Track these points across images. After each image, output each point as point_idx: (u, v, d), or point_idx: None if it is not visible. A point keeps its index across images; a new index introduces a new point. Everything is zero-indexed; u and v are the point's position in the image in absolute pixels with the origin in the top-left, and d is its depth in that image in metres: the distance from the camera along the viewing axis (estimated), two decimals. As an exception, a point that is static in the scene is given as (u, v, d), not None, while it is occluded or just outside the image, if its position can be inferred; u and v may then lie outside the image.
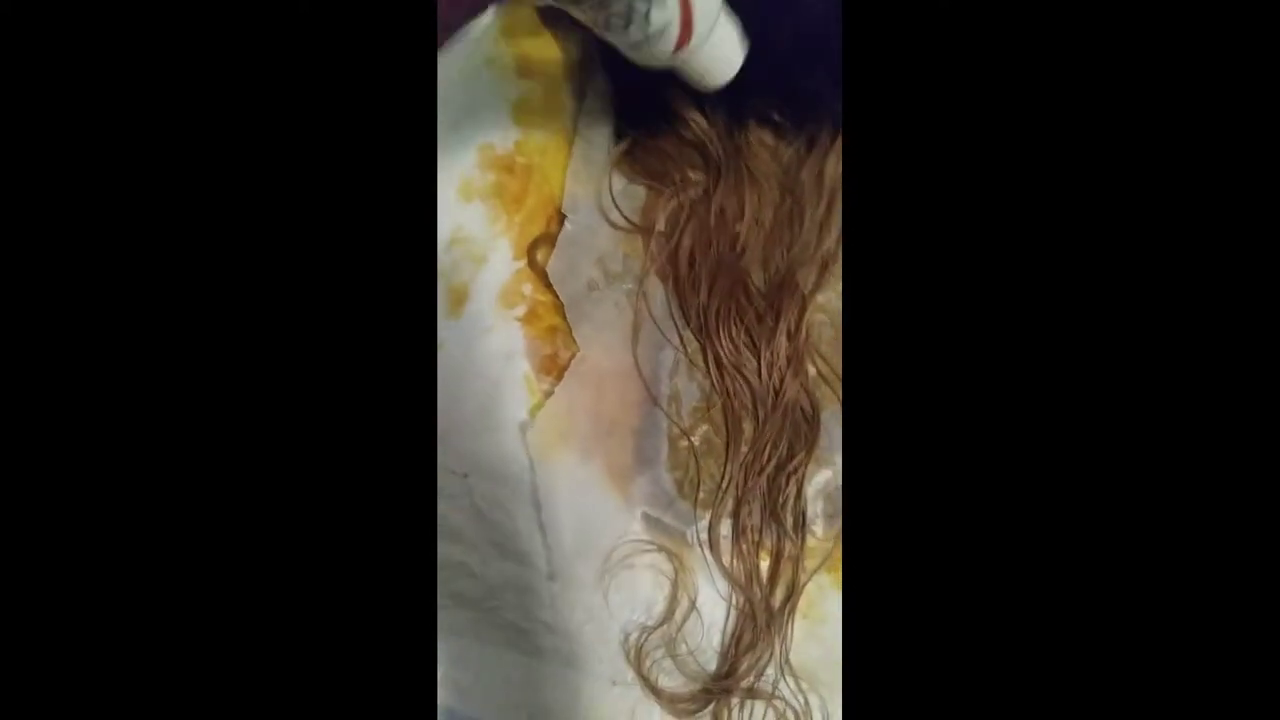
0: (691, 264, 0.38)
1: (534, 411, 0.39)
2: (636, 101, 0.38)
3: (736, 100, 0.37)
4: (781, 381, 0.37)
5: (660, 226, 0.38)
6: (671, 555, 0.39)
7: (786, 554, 0.38)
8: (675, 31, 0.30)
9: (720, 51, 0.33)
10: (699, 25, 0.31)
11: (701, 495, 0.39)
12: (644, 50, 0.31)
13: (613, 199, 0.39)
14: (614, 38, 0.30)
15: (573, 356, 0.39)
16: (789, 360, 0.37)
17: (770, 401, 0.38)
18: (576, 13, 0.30)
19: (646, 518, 0.39)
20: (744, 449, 0.38)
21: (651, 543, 0.39)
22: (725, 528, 0.39)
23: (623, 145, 0.38)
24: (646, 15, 0.28)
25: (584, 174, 0.39)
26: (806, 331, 0.37)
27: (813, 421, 0.38)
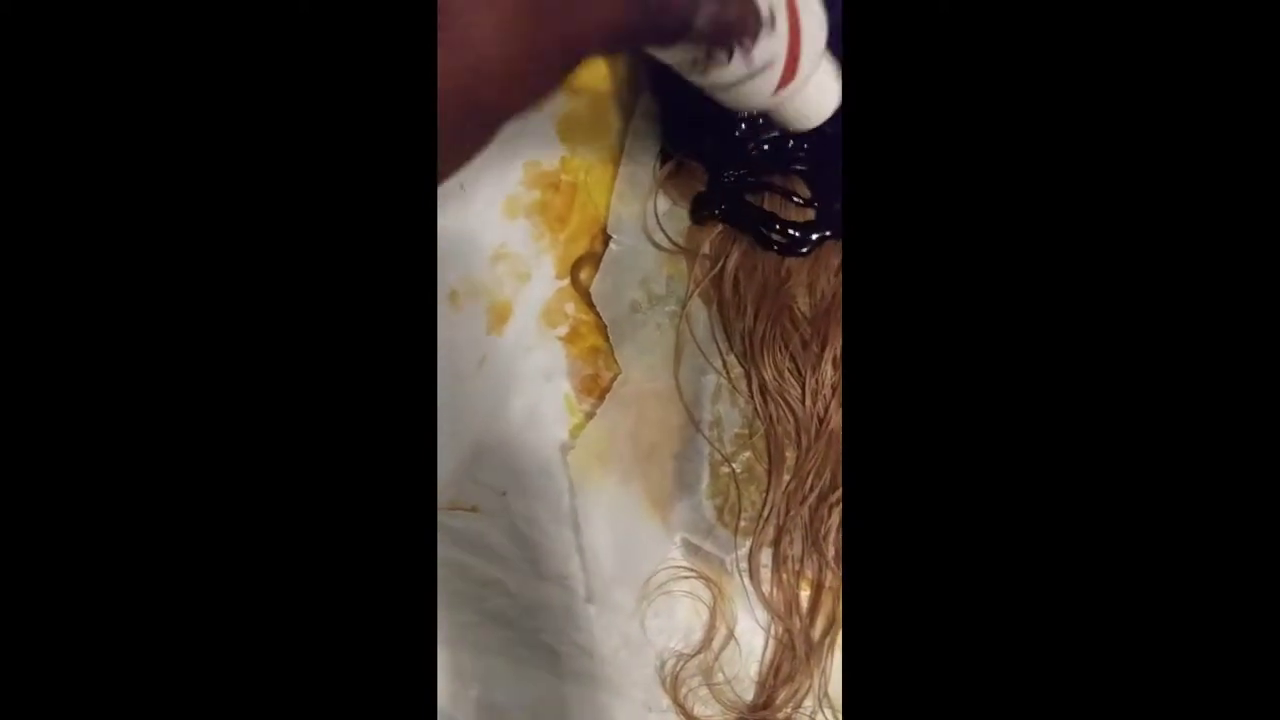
0: (736, 288, 0.37)
1: (574, 432, 0.38)
2: (684, 122, 0.36)
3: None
4: (826, 410, 0.36)
5: (705, 249, 0.37)
6: (710, 583, 0.38)
7: (828, 585, 0.37)
8: (780, 69, 0.26)
9: (821, 92, 0.29)
10: (804, 62, 0.26)
11: (742, 523, 0.37)
12: (741, 90, 0.27)
13: (658, 220, 0.38)
14: (710, 78, 0.26)
15: (614, 378, 0.38)
16: (834, 388, 0.36)
17: (814, 430, 0.36)
18: (667, 56, 0.25)
19: (686, 544, 0.38)
20: (786, 477, 0.37)
21: (690, 569, 0.38)
22: (765, 556, 0.37)
23: (669, 167, 0.37)
24: (751, 50, 0.25)
25: (629, 194, 0.38)
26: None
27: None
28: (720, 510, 0.38)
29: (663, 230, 0.38)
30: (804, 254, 0.36)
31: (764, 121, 0.35)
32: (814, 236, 0.35)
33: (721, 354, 0.37)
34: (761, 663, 0.37)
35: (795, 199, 0.36)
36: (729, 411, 0.37)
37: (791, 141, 0.35)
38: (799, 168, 0.36)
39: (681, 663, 0.37)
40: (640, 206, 0.38)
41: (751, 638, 0.37)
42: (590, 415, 0.38)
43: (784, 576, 0.37)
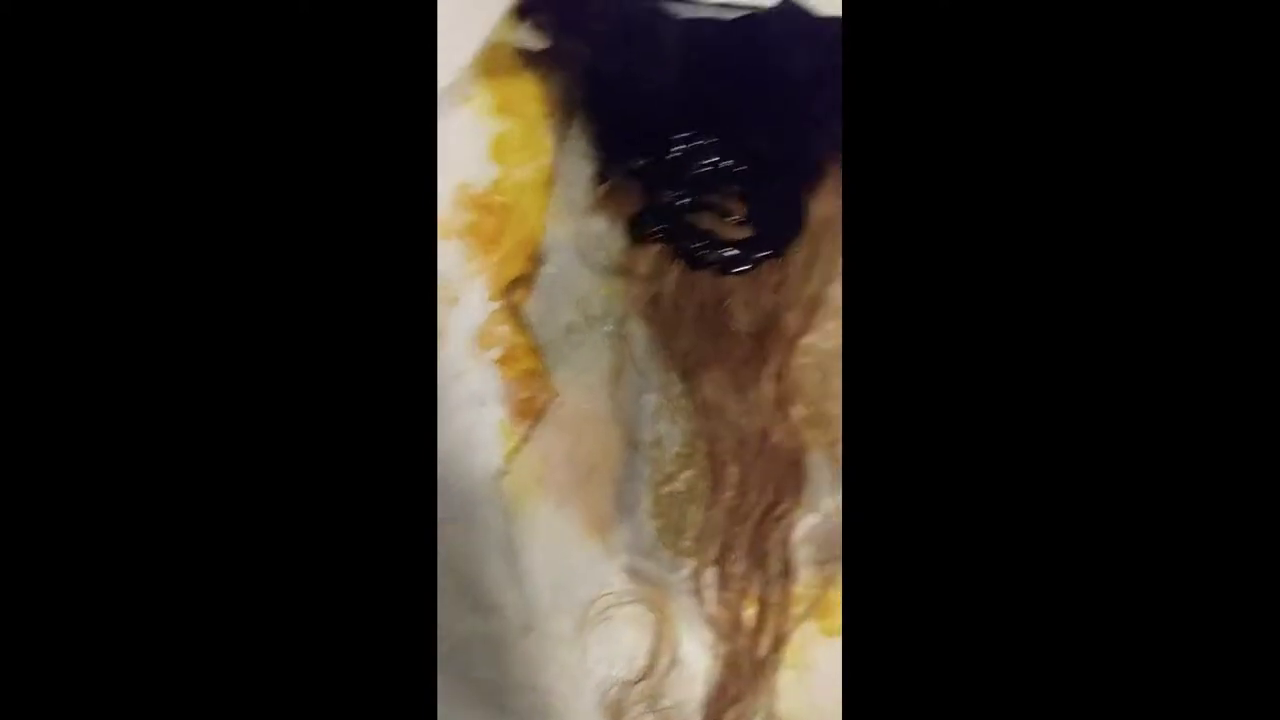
0: (675, 307, 0.36)
1: (509, 457, 0.37)
2: (619, 142, 0.36)
3: (722, 139, 0.36)
4: (767, 426, 0.36)
5: (643, 269, 0.37)
6: (653, 606, 0.37)
7: (773, 602, 0.36)
8: None
9: None
10: None
11: (685, 543, 0.37)
12: None
13: (593, 240, 0.37)
14: None
15: (550, 400, 0.37)
16: (775, 404, 0.36)
17: (756, 446, 0.36)
18: None
19: (627, 568, 0.37)
20: (729, 494, 0.36)
21: (632, 593, 0.37)
22: (709, 576, 0.37)
23: (605, 187, 0.37)
24: None
25: (564, 215, 0.37)
26: (792, 375, 0.36)
27: (799, 466, 0.36)
28: (662, 531, 0.37)
29: (599, 250, 0.37)
30: (743, 272, 0.36)
31: (699, 141, 0.35)
32: (754, 256, 0.36)
33: (661, 372, 0.37)
34: (708, 685, 0.36)
35: (732, 217, 0.36)
36: (669, 430, 0.37)
37: (729, 161, 0.36)
38: (736, 187, 0.36)
39: (625, 690, 0.36)
40: (576, 227, 0.37)
41: (696, 660, 0.36)
42: (526, 439, 0.37)
43: (728, 596, 0.36)
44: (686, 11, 0.35)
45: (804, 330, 0.36)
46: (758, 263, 0.36)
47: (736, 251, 0.36)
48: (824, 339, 0.37)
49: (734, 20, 0.34)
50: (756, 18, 0.34)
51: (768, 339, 0.36)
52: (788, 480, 0.36)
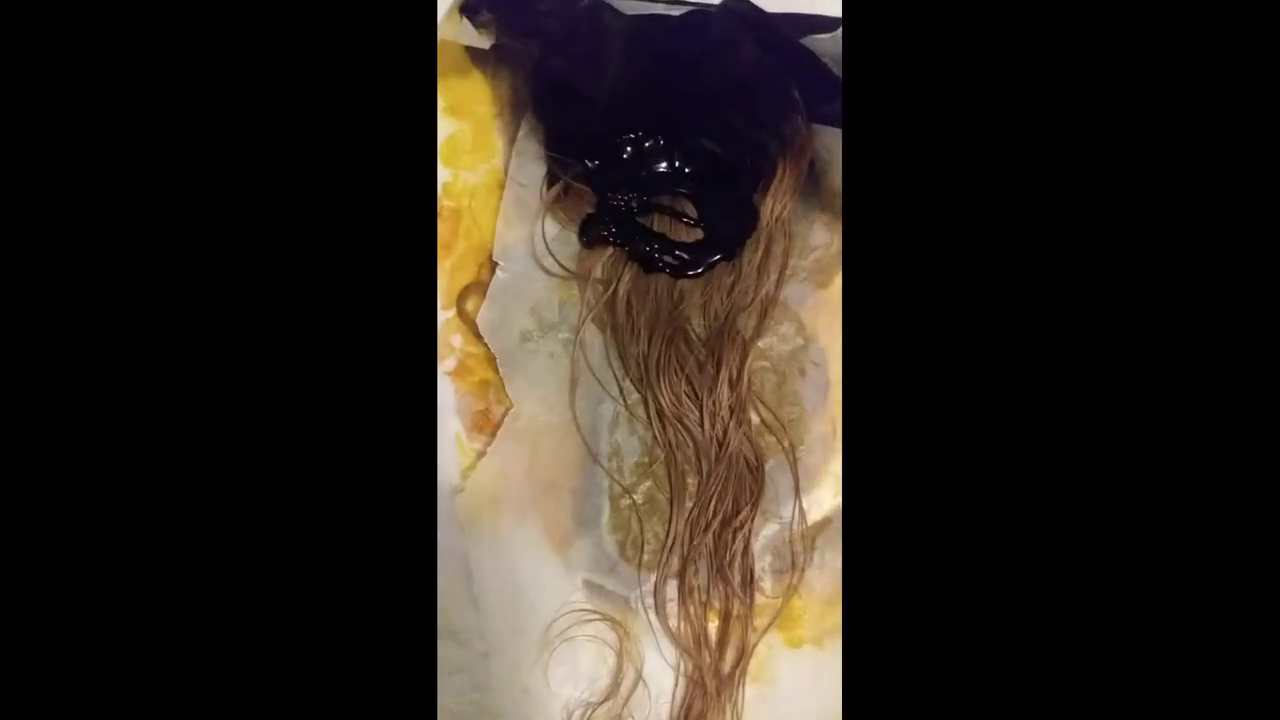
0: (629, 312, 0.36)
1: (465, 473, 0.35)
2: (570, 144, 0.36)
3: (672, 140, 0.35)
4: (725, 432, 0.35)
5: (597, 274, 0.36)
6: (615, 624, 0.35)
7: (735, 614, 0.35)
8: None
9: None
10: None
11: (646, 556, 0.36)
12: None
13: (546, 245, 0.36)
14: None
15: (506, 412, 0.36)
16: (732, 410, 0.35)
17: (714, 453, 0.35)
18: None
19: (588, 584, 0.36)
20: (689, 505, 0.35)
21: (593, 611, 0.35)
22: (671, 589, 0.36)
23: (556, 190, 0.36)
24: None
25: (516, 219, 0.36)
26: (749, 379, 0.35)
27: (757, 473, 0.35)
28: (622, 545, 0.36)
29: (552, 255, 0.36)
30: (697, 275, 0.35)
31: (648, 143, 0.35)
32: (706, 258, 0.35)
33: (618, 380, 0.36)
34: (672, 703, 0.35)
35: (685, 219, 0.36)
36: (627, 440, 0.36)
37: (678, 163, 0.35)
38: (684, 189, 0.36)
39: (588, 712, 0.35)
40: (528, 231, 0.36)
41: (660, 678, 0.35)
42: (482, 454, 0.35)
43: (691, 609, 0.35)
44: (633, 8, 0.34)
45: (759, 333, 0.36)
46: (710, 265, 0.36)
47: (688, 255, 0.35)
48: (780, 341, 0.36)
49: (682, 17, 0.34)
50: (705, 14, 0.34)
51: (722, 343, 0.35)
52: (746, 488, 0.35)
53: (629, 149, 0.35)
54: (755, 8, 0.34)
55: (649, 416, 0.36)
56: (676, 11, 0.34)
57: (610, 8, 0.34)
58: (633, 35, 0.33)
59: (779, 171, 0.35)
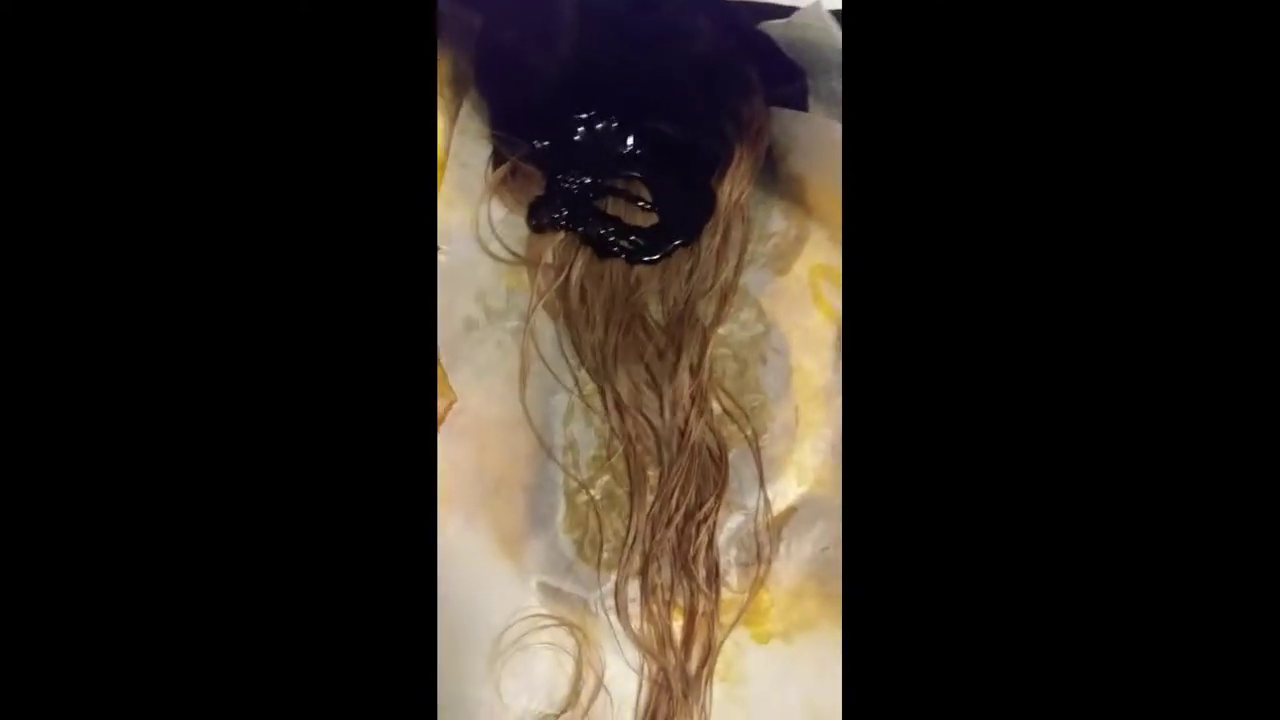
0: (583, 298, 0.34)
1: (405, 473, 0.33)
2: (517, 122, 0.34)
3: (627, 121, 0.34)
4: (686, 421, 0.34)
5: (548, 259, 0.34)
6: (573, 629, 0.33)
7: (701, 611, 0.34)
8: None
9: None
10: None
11: (605, 555, 0.34)
12: None
13: (492, 228, 0.34)
14: None
15: (450, 406, 0.33)
16: (693, 398, 0.34)
17: (675, 444, 0.34)
18: None
19: (543, 587, 0.33)
20: (649, 499, 0.34)
21: (550, 616, 0.33)
22: (633, 589, 0.34)
23: (502, 170, 0.34)
24: None
25: (459, 200, 0.34)
26: (709, 366, 0.34)
27: (720, 463, 0.34)
28: (580, 544, 0.34)
29: (499, 239, 0.34)
30: (654, 261, 0.34)
31: (600, 124, 0.33)
32: (664, 243, 0.34)
33: (572, 370, 0.34)
34: (636, 709, 0.33)
35: (640, 203, 0.34)
36: (583, 433, 0.34)
37: (632, 144, 0.34)
38: (639, 173, 0.34)
39: (547, 725, 0.32)
40: (472, 213, 0.34)
41: (623, 683, 0.33)
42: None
43: (654, 608, 0.33)
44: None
45: (719, 319, 0.35)
46: (669, 251, 0.34)
47: (643, 240, 0.34)
48: (740, 328, 0.35)
49: (636, -7, 0.33)
50: (659, -9, 0.33)
51: (682, 330, 0.34)
52: (710, 479, 0.34)
53: (581, 129, 0.33)
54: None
55: (606, 407, 0.34)
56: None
57: None
58: (585, 9, 0.32)
59: (736, 155, 0.34)
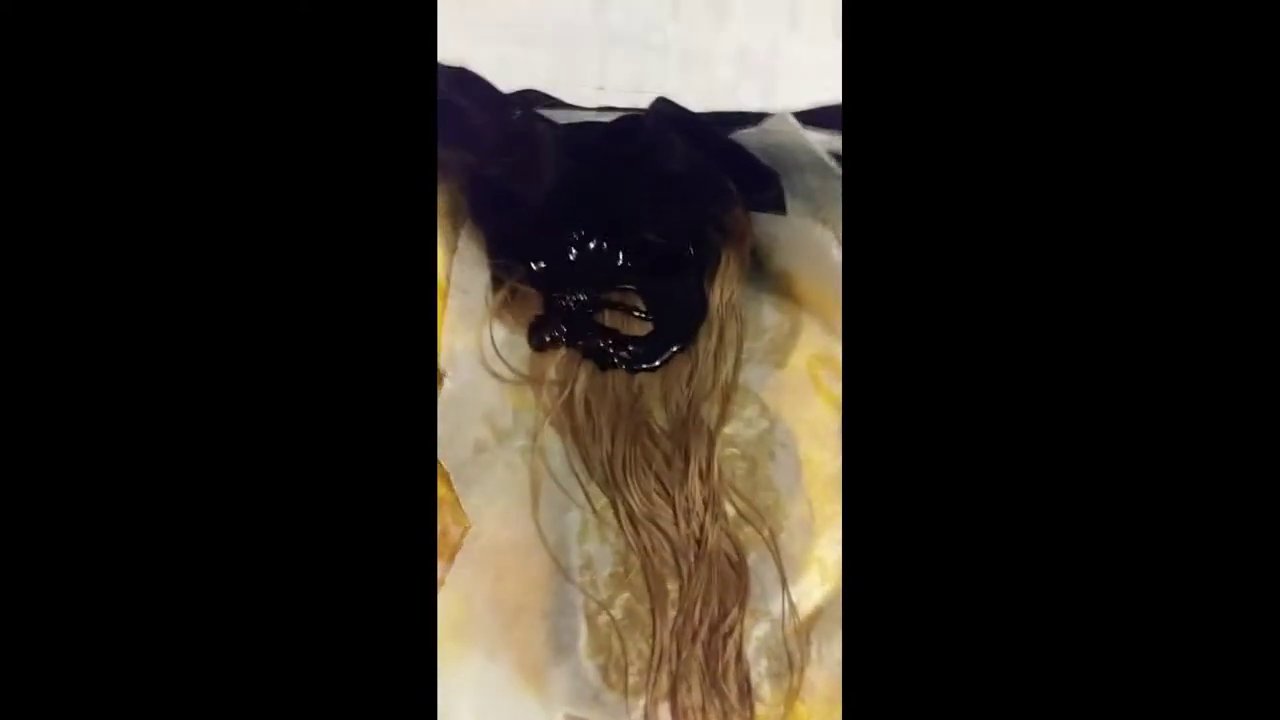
0: (589, 411, 0.34)
1: (421, 607, 0.32)
2: (512, 247, 0.35)
3: (616, 236, 0.35)
4: (701, 529, 0.33)
5: (551, 375, 0.34)
6: (605, 760, 0.31)
7: (737, 732, 0.32)
8: None
9: None
10: None
11: (631, 680, 0.32)
12: None
13: (495, 350, 0.34)
14: None
15: (464, 533, 0.32)
16: (705, 503, 0.33)
17: (693, 553, 0.33)
18: None
19: (571, 719, 0.31)
20: (672, 613, 0.32)
21: (579, 749, 0.31)
22: (664, 713, 0.32)
23: (501, 294, 0.35)
24: None
25: (461, 327, 0.34)
26: (719, 468, 0.34)
27: (740, 568, 0.33)
28: (605, 669, 0.32)
29: (503, 360, 0.34)
30: (654, 368, 0.34)
31: (592, 242, 0.34)
32: (662, 350, 0.34)
33: (583, 485, 0.34)
34: None
35: (635, 313, 0.35)
36: (599, 550, 0.33)
37: (623, 258, 0.35)
38: (632, 284, 0.35)
39: None
40: (475, 338, 0.34)
41: (663, 819, 0.31)
42: (442, 582, 0.32)
43: (687, 732, 0.31)
44: (565, 117, 0.35)
45: (723, 419, 0.34)
46: (667, 357, 0.35)
47: (643, 347, 0.34)
48: (746, 426, 0.35)
49: (613, 122, 0.35)
50: (635, 119, 0.34)
51: (687, 434, 0.34)
52: (730, 587, 0.33)
53: (573, 249, 0.35)
54: (681, 109, 0.35)
55: (619, 521, 0.33)
56: (607, 118, 0.35)
57: (543, 118, 0.34)
58: (566, 141, 0.34)
59: (723, 259, 0.35)
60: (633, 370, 0.34)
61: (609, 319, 0.35)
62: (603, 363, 0.34)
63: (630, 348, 0.34)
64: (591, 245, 0.34)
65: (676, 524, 0.33)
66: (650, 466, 0.33)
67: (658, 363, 0.34)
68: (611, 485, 0.33)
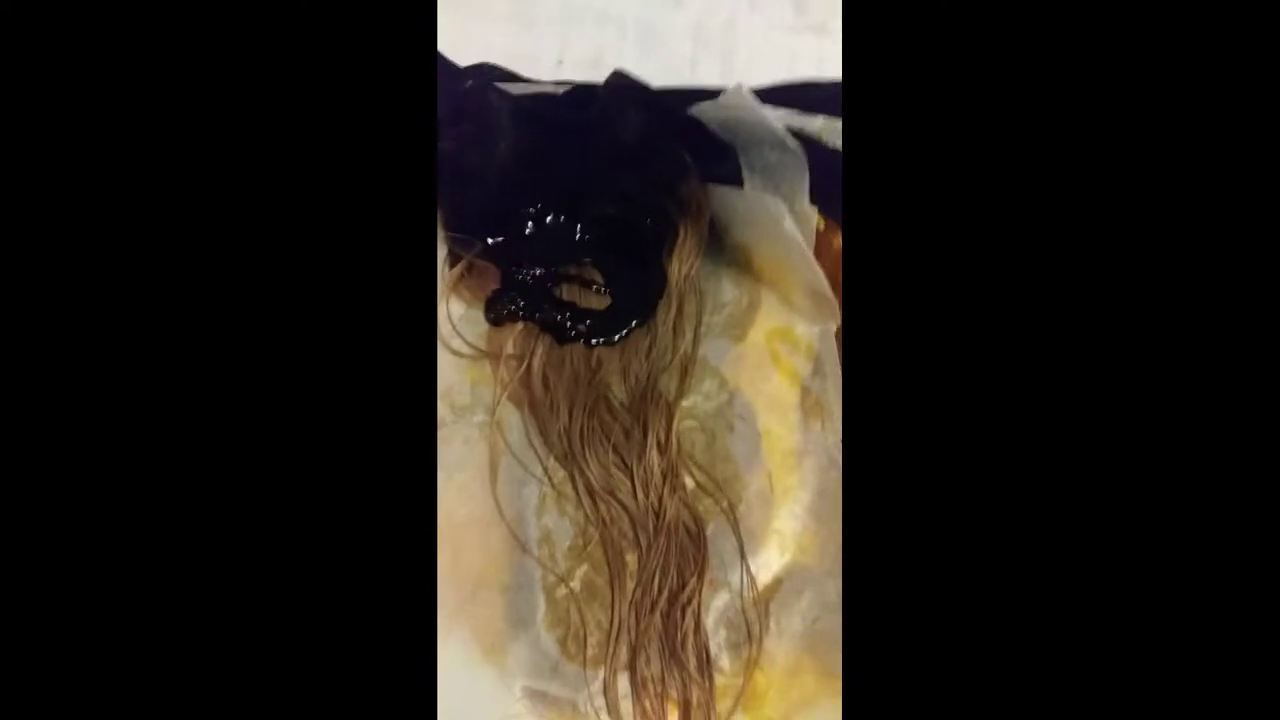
0: (546, 385, 0.34)
1: (377, 582, 0.31)
2: (469, 221, 0.35)
3: (573, 210, 0.35)
4: (660, 500, 0.33)
5: (509, 349, 0.34)
6: (564, 733, 0.31)
7: (695, 702, 0.32)
8: None
9: None
10: None
11: (590, 651, 0.32)
12: None
13: (453, 325, 0.34)
14: None
15: (420, 508, 0.32)
16: (664, 475, 0.33)
17: (651, 525, 0.33)
18: None
19: (529, 692, 0.31)
20: (630, 585, 0.32)
21: (538, 721, 0.31)
22: (623, 684, 0.32)
23: (458, 269, 0.34)
24: None
25: (417, 302, 0.34)
26: (678, 441, 0.34)
27: (699, 540, 0.33)
28: (563, 641, 0.32)
29: (460, 336, 0.34)
30: (613, 342, 0.34)
31: (549, 216, 0.34)
32: (621, 324, 0.34)
33: (541, 459, 0.33)
34: (638, 818, 0.30)
35: (594, 286, 0.35)
36: (558, 523, 0.33)
37: (580, 232, 0.35)
38: (590, 258, 0.35)
39: None
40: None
41: (622, 790, 0.31)
42: (396, 558, 0.32)
43: (647, 704, 0.31)
44: (518, 89, 0.34)
45: (682, 392, 0.34)
46: (626, 331, 0.34)
47: (602, 321, 0.34)
48: (704, 399, 0.35)
49: (566, 94, 0.34)
50: (589, 90, 0.34)
51: (646, 407, 0.33)
52: (690, 558, 0.33)
53: (530, 223, 0.34)
54: (638, 84, 0.35)
55: (578, 494, 0.33)
56: (561, 90, 0.35)
57: (495, 88, 0.34)
58: (519, 112, 0.34)
59: (681, 233, 0.35)
60: (591, 344, 0.34)
61: (566, 292, 0.35)
62: (560, 337, 0.34)
63: (588, 321, 0.34)
64: (549, 220, 0.34)
65: (635, 496, 0.33)
66: (609, 439, 0.33)
67: (616, 337, 0.34)
68: (570, 458, 0.33)
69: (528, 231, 0.34)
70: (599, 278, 0.35)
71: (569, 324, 0.34)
